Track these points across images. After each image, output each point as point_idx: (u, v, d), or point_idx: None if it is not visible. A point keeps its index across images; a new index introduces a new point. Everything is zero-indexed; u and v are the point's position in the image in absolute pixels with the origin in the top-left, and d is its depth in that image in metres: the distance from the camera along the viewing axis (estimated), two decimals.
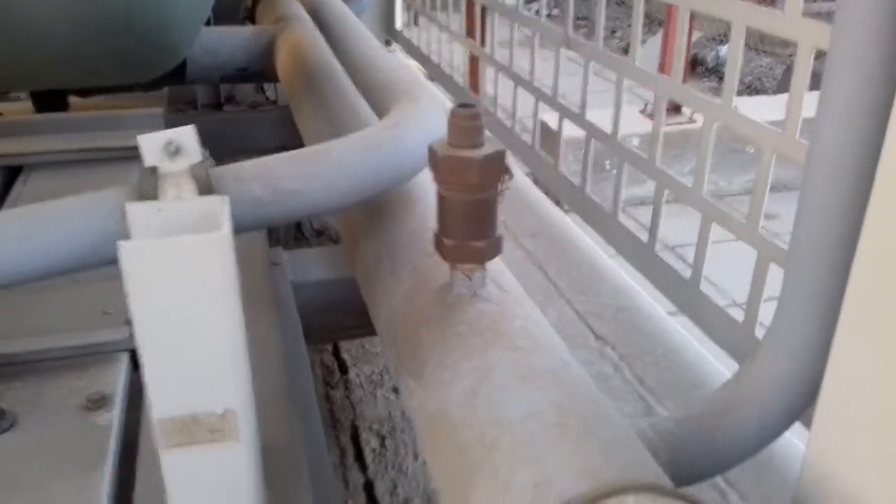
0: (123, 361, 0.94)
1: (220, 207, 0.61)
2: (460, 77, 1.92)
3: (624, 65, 1.07)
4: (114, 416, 0.85)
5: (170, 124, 1.73)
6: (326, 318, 1.49)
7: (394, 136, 0.78)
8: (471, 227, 0.67)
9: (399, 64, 1.05)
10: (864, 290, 0.49)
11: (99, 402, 0.86)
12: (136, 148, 1.56)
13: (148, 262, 0.56)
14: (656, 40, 5.77)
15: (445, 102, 1.93)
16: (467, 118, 0.64)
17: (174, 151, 0.71)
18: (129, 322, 1.00)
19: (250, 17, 2.28)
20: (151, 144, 0.71)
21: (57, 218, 0.69)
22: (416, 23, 2.33)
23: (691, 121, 5.02)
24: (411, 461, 1.60)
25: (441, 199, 0.67)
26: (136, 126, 1.63)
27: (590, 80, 1.19)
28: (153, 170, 0.70)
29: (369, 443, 1.64)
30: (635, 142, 4.41)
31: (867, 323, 0.49)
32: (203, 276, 0.57)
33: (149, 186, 0.69)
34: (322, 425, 1.06)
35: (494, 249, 0.69)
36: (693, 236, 0.95)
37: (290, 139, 2.17)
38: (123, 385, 0.91)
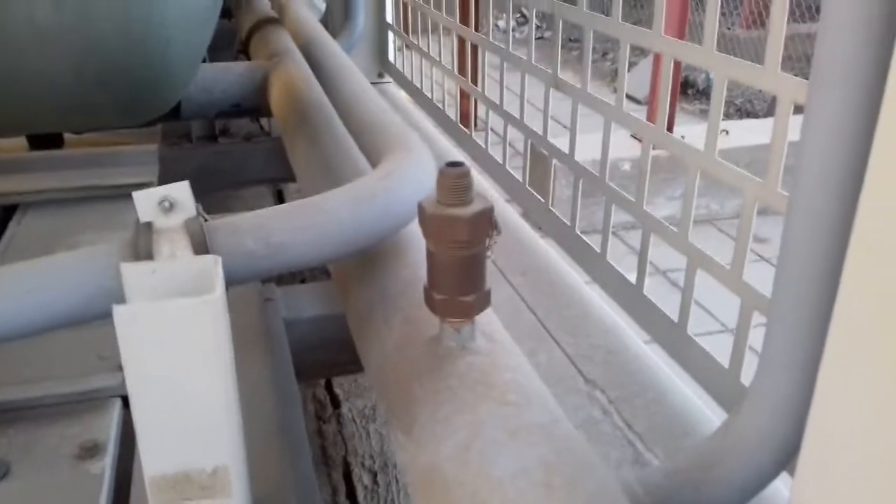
0: (116, 407, 0.95)
1: (213, 268, 0.62)
2: (452, 99, 1.94)
3: (610, 109, 1.09)
4: (106, 464, 0.85)
5: (164, 158, 1.75)
6: (319, 355, 1.49)
7: (386, 188, 0.80)
8: (460, 283, 0.68)
9: (387, 107, 1.06)
10: (842, 343, 0.50)
11: (91, 451, 0.86)
12: (131, 186, 1.57)
13: (142, 324, 0.57)
14: (647, 62, 5.83)
15: (435, 138, 1.95)
16: (456, 177, 0.65)
17: (168, 207, 0.72)
18: (122, 367, 1.01)
19: (244, 51, 2.31)
20: (146, 200, 0.72)
21: (53, 273, 0.70)
22: (407, 47, 2.36)
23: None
24: (403, 498, 1.60)
25: (430, 255, 0.69)
26: (130, 163, 1.65)
27: (579, 107, 1.20)
28: (148, 226, 0.72)
29: (361, 479, 1.64)
30: (626, 166, 4.45)
31: (846, 376, 0.50)
32: (196, 337, 0.58)
33: (144, 243, 0.70)
34: (313, 465, 1.06)
35: (483, 303, 0.70)
36: (684, 263, 0.96)
37: (285, 170, 2.19)
38: (116, 432, 0.91)
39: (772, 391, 0.65)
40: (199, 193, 0.75)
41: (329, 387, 1.95)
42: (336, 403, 1.89)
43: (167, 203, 0.72)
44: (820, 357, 0.52)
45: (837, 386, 0.52)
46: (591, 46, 1.12)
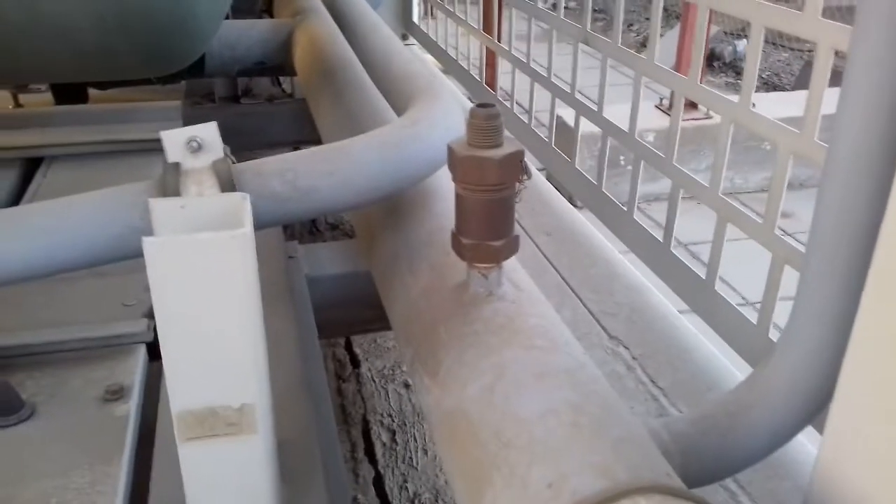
0: (141, 353, 0.95)
1: (241, 204, 0.62)
2: (476, 71, 1.92)
3: (642, 63, 1.07)
4: (131, 407, 0.86)
5: (187, 117, 1.75)
6: (340, 313, 1.50)
7: (412, 135, 0.79)
8: (488, 227, 0.68)
9: (417, 59, 1.05)
10: (881, 295, 0.49)
11: (117, 394, 0.87)
12: (154, 140, 1.57)
13: (171, 257, 0.57)
14: (674, 34, 5.74)
15: (463, 99, 1.93)
16: (486, 118, 0.64)
17: (196, 147, 0.71)
18: (147, 315, 1.01)
19: (268, 10, 2.29)
20: (174, 140, 0.71)
21: (82, 212, 0.70)
22: (432, 15, 2.33)
23: (707, 116, 5.00)
24: (421, 456, 1.61)
25: (459, 199, 0.68)
26: (154, 119, 1.65)
27: (607, 74, 1.18)
28: (176, 166, 0.71)
29: (380, 437, 1.65)
30: (650, 137, 4.40)
31: (883, 327, 0.49)
32: (225, 271, 0.58)
33: (171, 182, 0.70)
34: (332, 412, 1.07)
35: (511, 249, 0.70)
36: (707, 234, 0.95)
37: (307, 132, 2.18)
38: (141, 377, 0.92)
39: (802, 343, 0.64)
40: None
41: (349, 346, 1.96)
42: (356, 363, 1.90)
43: (195, 143, 0.71)
44: (853, 311, 0.51)
45: (875, 334, 0.50)
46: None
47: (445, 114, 0.83)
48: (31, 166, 1.50)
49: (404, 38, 2.52)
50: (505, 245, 0.69)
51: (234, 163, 0.75)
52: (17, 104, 1.74)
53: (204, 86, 2.33)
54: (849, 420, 0.54)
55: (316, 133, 1.51)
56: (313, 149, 0.79)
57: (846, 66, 0.55)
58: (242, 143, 2.34)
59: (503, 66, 1.72)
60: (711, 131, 4.84)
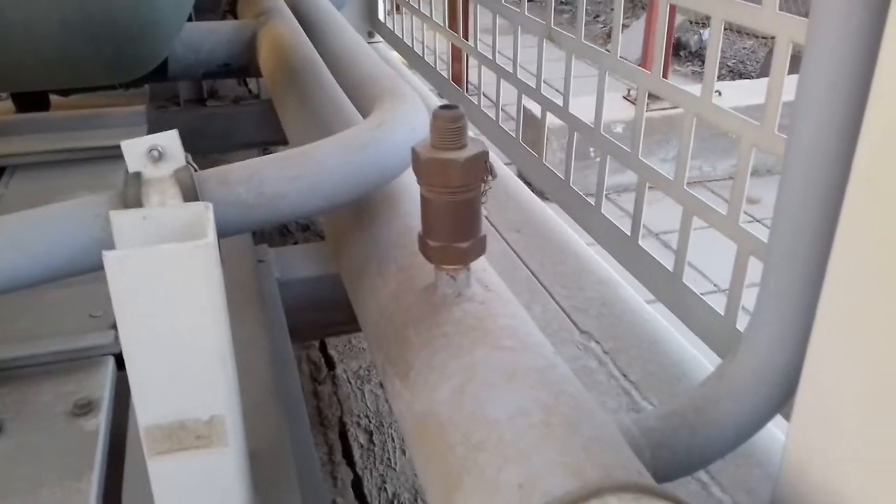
0: (109, 365, 0.94)
1: (204, 214, 0.61)
2: (443, 65, 1.92)
3: (606, 58, 1.07)
4: (100, 421, 0.85)
5: (152, 121, 1.73)
6: (313, 315, 1.49)
7: (377, 137, 0.79)
8: (454, 229, 0.67)
9: (380, 60, 1.04)
10: (840, 284, 0.50)
11: (86, 408, 0.86)
12: (119, 147, 1.55)
13: (133, 270, 0.56)
14: (640, 25, 5.78)
15: (430, 97, 1.93)
16: (450, 120, 0.64)
17: (157, 157, 0.71)
18: (114, 325, 1.00)
19: (231, 11, 2.27)
20: (135, 150, 0.70)
21: (43, 225, 0.69)
22: (397, 11, 2.32)
23: (675, 106, 5.04)
24: (399, 456, 1.60)
25: (425, 201, 0.68)
26: (118, 125, 1.62)
27: (573, 67, 1.19)
28: (137, 175, 0.70)
29: (357, 439, 1.65)
30: (619, 128, 4.42)
31: (844, 316, 0.50)
32: (188, 283, 0.58)
33: (133, 192, 0.69)
34: (309, 423, 1.06)
35: (478, 250, 0.70)
36: (677, 223, 0.96)
37: (275, 133, 2.16)
38: (109, 389, 0.91)
39: (767, 335, 0.65)
40: None
41: (323, 348, 1.95)
42: (331, 365, 1.90)
43: (156, 152, 0.70)
44: (816, 300, 0.52)
45: (836, 323, 0.51)
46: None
47: (410, 114, 0.83)
48: None
49: (370, 35, 2.51)
50: (472, 246, 0.69)
51: (196, 170, 0.74)
52: None
53: (168, 89, 2.30)
54: (814, 408, 0.54)
55: (283, 133, 1.50)
56: (278, 154, 0.78)
57: (803, 57, 0.56)
58: (209, 146, 2.33)
59: (471, 60, 1.72)
60: (678, 121, 4.89)
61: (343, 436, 1.67)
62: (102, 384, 0.91)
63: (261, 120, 2.28)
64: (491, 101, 1.54)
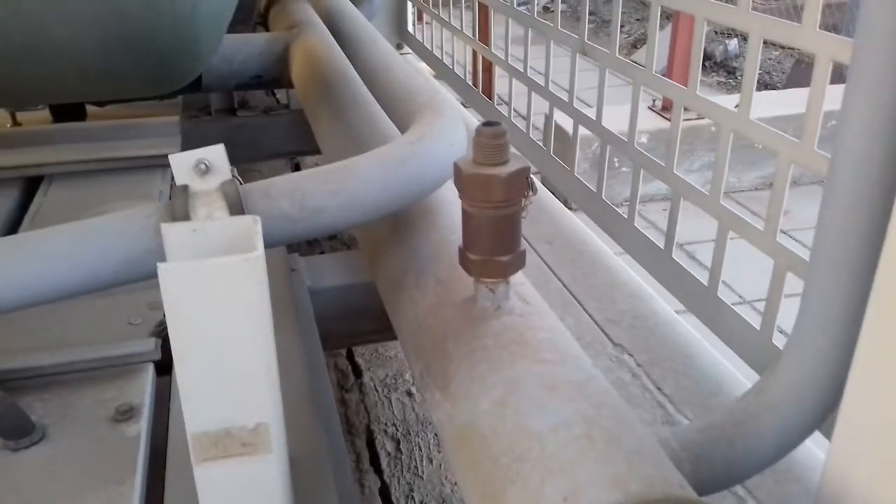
0: (149, 372, 0.96)
1: (252, 227, 0.63)
2: (472, 78, 1.94)
3: (641, 73, 1.08)
4: (142, 426, 0.87)
5: (184, 131, 1.76)
6: (343, 324, 1.50)
7: (417, 151, 0.80)
8: (495, 243, 0.68)
9: (418, 74, 1.06)
10: (887, 300, 0.50)
11: (127, 414, 0.88)
12: (154, 157, 1.58)
13: (185, 282, 0.58)
14: (664, 36, 5.77)
15: (465, 112, 1.94)
16: (492, 136, 0.65)
17: (204, 170, 0.72)
18: (154, 333, 1.02)
19: (263, 23, 2.30)
20: (182, 163, 0.72)
21: (94, 236, 0.71)
22: (421, 20, 2.34)
23: (700, 116, 5.01)
24: (426, 464, 1.61)
25: (466, 216, 0.69)
26: (153, 135, 1.65)
27: (605, 85, 1.19)
28: (185, 188, 0.72)
29: (384, 447, 1.66)
30: (644, 139, 4.41)
31: (890, 332, 0.50)
32: (238, 294, 0.59)
33: (181, 205, 0.71)
34: (340, 425, 1.08)
35: (518, 264, 0.71)
36: (703, 233, 0.96)
37: (303, 143, 2.19)
38: (150, 395, 0.92)
39: (808, 350, 0.65)
40: None
41: (350, 356, 1.96)
42: (358, 373, 1.91)
43: (203, 166, 0.72)
44: (859, 317, 0.52)
45: (880, 345, 0.52)
46: (619, 9, 1.11)
47: (449, 130, 0.84)
48: (31, 185, 1.51)
49: (399, 46, 2.53)
50: (512, 260, 0.70)
51: (241, 183, 0.76)
52: (15, 122, 1.74)
53: (200, 99, 2.34)
54: (857, 425, 0.55)
55: (313, 143, 1.52)
56: (319, 168, 0.79)
57: (847, 76, 0.56)
58: (240, 156, 2.35)
59: (499, 70, 1.73)
60: (704, 131, 4.86)
61: (370, 443, 1.68)
62: (143, 390, 0.92)
63: (290, 130, 2.31)
64: (519, 113, 1.55)
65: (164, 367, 0.99)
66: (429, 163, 0.80)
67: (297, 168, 2.87)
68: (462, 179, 0.66)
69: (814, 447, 0.76)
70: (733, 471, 0.67)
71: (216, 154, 0.73)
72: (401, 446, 1.66)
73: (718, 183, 0.93)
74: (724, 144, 0.91)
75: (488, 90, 1.78)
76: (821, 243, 0.61)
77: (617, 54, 1.13)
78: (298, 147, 2.37)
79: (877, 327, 0.51)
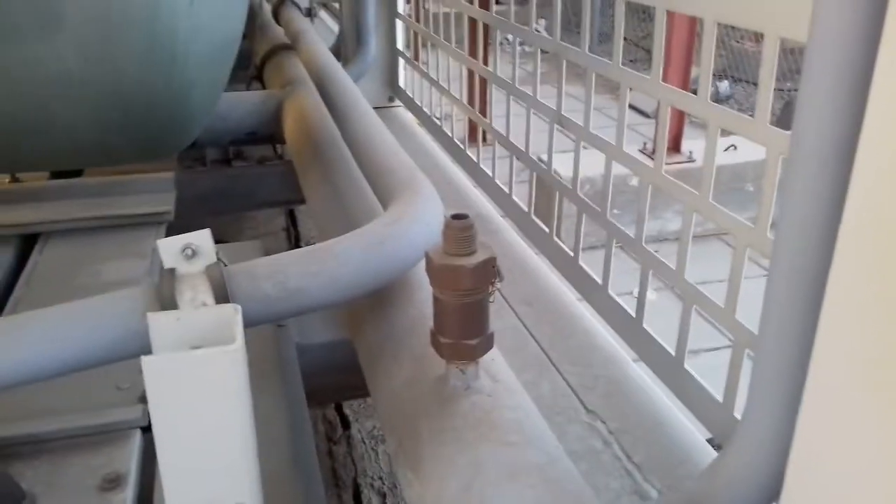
0: (136, 438, 0.99)
1: (233, 318, 0.67)
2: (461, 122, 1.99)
3: (611, 148, 1.13)
4: (128, 496, 0.90)
5: (180, 182, 1.80)
6: (331, 379, 1.53)
7: (394, 233, 0.84)
8: (464, 327, 0.73)
9: (399, 148, 1.11)
10: (821, 381, 0.53)
11: (113, 483, 0.90)
12: (149, 215, 1.61)
13: (169, 371, 0.62)
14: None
15: (444, 171, 1.99)
16: (461, 229, 0.70)
17: (191, 254, 0.76)
18: (141, 399, 1.05)
19: (258, 76, 2.36)
20: (170, 248, 0.76)
21: (83, 318, 0.75)
22: (417, 58, 2.39)
23: (690, 160, 5.10)
24: None
25: (436, 301, 0.73)
26: (148, 190, 1.69)
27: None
28: (171, 272, 0.76)
29: (370, 501, 1.68)
30: (634, 181, 4.47)
31: (827, 416, 0.53)
32: (218, 383, 0.63)
33: (167, 288, 0.75)
34: (324, 489, 1.10)
35: (486, 346, 0.75)
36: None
37: (296, 192, 2.23)
38: (136, 463, 0.95)
39: (759, 430, 0.68)
40: (213, 214, 0.79)
41: (339, 408, 1.99)
42: (346, 424, 1.93)
43: (189, 251, 0.76)
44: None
45: (818, 424, 0.55)
46: (592, 87, 1.16)
47: (425, 210, 0.89)
48: (27, 242, 1.54)
49: (391, 99, 2.59)
50: (480, 343, 0.74)
51: (225, 265, 0.80)
52: (14, 178, 1.79)
53: (196, 150, 2.40)
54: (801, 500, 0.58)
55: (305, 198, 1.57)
56: (302, 250, 0.84)
57: (787, 168, 0.60)
58: (234, 205, 2.40)
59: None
60: (694, 173, 4.93)
61: (357, 497, 1.70)
62: (129, 457, 0.95)
63: (284, 180, 2.35)
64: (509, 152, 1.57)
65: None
66: (405, 244, 0.85)
67: (291, 215, 2.92)
68: (432, 269, 0.71)
69: None
70: None
71: (202, 239, 0.77)
72: (386, 500, 1.68)
73: (683, 260, 0.97)
74: (686, 224, 0.96)
75: (477, 132, 1.83)
76: (766, 324, 0.65)
77: (591, 129, 1.19)
78: (292, 196, 2.41)
79: (813, 411, 0.54)
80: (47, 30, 0.85)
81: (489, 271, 0.72)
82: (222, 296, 0.76)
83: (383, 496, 1.69)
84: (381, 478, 1.74)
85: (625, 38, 1.12)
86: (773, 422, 0.67)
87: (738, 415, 0.90)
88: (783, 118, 6.08)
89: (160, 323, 0.66)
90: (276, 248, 2.62)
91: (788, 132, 0.77)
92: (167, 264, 0.77)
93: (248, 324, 0.76)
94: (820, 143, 0.57)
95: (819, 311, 0.52)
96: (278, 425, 1.12)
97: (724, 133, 0.87)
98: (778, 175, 0.79)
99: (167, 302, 0.74)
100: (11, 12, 0.83)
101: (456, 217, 0.71)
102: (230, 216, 2.62)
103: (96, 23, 0.88)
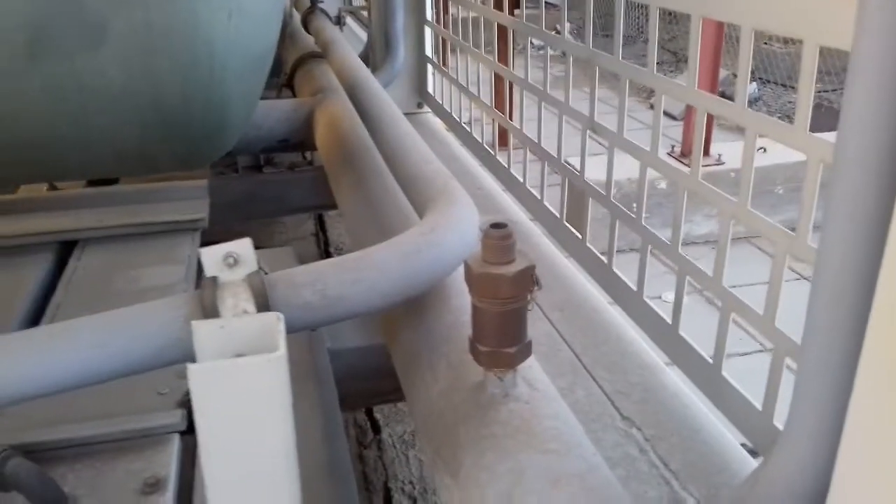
0: (175, 443, 1.00)
1: (276, 326, 0.68)
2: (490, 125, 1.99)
3: (646, 155, 1.12)
4: (168, 499, 0.91)
5: (213, 188, 1.82)
6: (363, 384, 1.54)
7: (431, 241, 0.85)
8: (503, 336, 0.73)
9: (433, 156, 1.11)
10: (869, 390, 0.52)
11: (154, 486, 0.92)
12: (184, 222, 1.64)
13: (213, 379, 0.63)
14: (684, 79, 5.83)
15: (474, 177, 2.00)
16: (500, 238, 0.70)
17: (232, 263, 0.77)
18: (181, 403, 1.07)
19: (289, 84, 2.39)
20: (212, 256, 0.77)
21: (126, 326, 0.76)
22: (445, 64, 2.40)
23: (719, 163, 5.06)
24: None
25: (475, 310, 0.73)
26: (183, 197, 1.72)
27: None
28: (213, 279, 0.77)
29: None
30: (663, 184, 4.45)
31: (874, 426, 0.52)
32: (262, 390, 0.64)
33: (209, 296, 0.76)
34: (357, 493, 1.11)
35: (524, 354, 0.75)
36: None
37: (327, 198, 2.25)
38: (176, 467, 0.97)
39: (803, 439, 0.68)
40: (245, 220, 0.80)
41: (370, 412, 2.00)
42: (376, 429, 1.94)
43: (231, 259, 0.77)
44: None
45: (864, 434, 0.54)
46: (626, 93, 1.16)
47: (461, 219, 0.89)
48: (66, 249, 1.57)
49: (419, 105, 2.60)
50: (519, 351, 0.74)
51: (266, 273, 0.81)
52: (52, 186, 1.82)
53: (228, 156, 2.42)
54: None
55: (335, 199, 1.58)
56: (339, 258, 0.85)
57: (831, 175, 0.60)
58: (266, 211, 2.43)
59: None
60: (722, 177, 4.88)
61: (388, 501, 1.71)
62: (169, 461, 0.97)
63: (314, 186, 2.38)
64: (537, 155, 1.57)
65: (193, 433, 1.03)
66: (443, 252, 0.85)
67: (320, 221, 2.94)
68: (471, 278, 0.71)
69: None
70: None
71: (243, 247, 0.78)
72: None
73: (720, 267, 0.96)
74: (724, 232, 0.95)
75: (507, 136, 1.83)
76: (811, 332, 0.64)
77: (625, 135, 1.18)
78: (322, 202, 2.44)
79: (860, 416, 0.54)
80: (91, 45, 0.87)
81: (528, 280, 0.72)
82: (263, 304, 0.77)
83: (414, 500, 1.70)
84: (411, 482, 1.74)
85: (646, 40, 1.11)
86: (817, 431, 0.66)
87: (777, 423, 0.89)
88: (815, 121, 6.00)
89: (204, 331, 0.67)
90: (305, 252, 2.65)
91: (828, 138, 0.76)
92: (209, 272, 0.78)
93: (289, 331, 0.77)
94: (865, 149, 0.56)
95: (865, 321, 0.52)
96: (313, 430, 1.13)
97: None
98: (818, 181, 0.78)
99: (209, 310, 0.75)
100: (57, 28, 0.85)
101: (495, 226, 0.71)
102: (260, 221, 2.64)
103: (138, 38, 0.90)
